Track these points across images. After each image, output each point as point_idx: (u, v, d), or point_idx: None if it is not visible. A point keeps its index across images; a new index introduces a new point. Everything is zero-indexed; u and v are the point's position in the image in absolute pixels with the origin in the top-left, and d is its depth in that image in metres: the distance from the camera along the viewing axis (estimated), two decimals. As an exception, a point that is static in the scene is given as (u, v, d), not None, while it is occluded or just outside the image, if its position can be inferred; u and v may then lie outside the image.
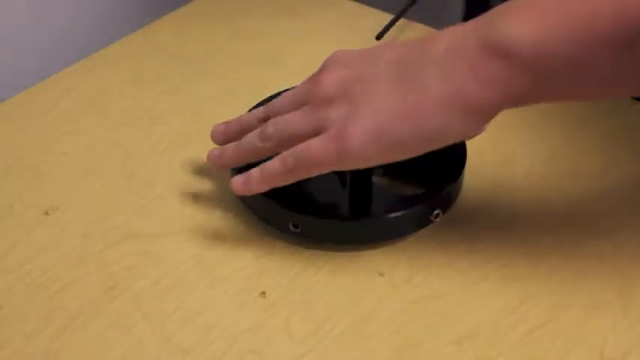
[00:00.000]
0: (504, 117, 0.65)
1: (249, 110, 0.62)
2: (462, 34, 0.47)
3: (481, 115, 0.47)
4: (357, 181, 0.55)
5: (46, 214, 0.58)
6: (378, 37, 0.71)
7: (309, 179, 0.54)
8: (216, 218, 0.57)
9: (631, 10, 0.42)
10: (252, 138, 0.54)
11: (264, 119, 0.55)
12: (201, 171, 0.61)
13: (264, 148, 0.53)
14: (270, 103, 0.56)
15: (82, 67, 0.73)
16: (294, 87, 0.60)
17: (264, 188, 0.52)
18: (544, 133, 0.64)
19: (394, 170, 0.59)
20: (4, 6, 0.77)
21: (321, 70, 0.52)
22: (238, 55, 0.74)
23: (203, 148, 0.63)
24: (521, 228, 0.56)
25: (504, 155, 0.62)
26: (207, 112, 0.67)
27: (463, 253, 0.54)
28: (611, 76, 0.44)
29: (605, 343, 0.49)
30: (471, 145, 0.58)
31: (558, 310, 0.51)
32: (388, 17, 0.79)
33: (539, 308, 0.51)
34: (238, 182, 0.53)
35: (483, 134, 0.61)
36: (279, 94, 0.62)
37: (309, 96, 0.52)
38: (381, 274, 0.53)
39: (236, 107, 0.63)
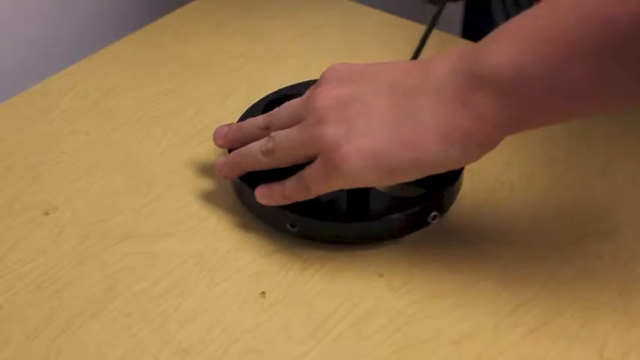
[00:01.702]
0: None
1: (248, 109, 0.62)
2: (455, 62, 0.48)
3: (478, 144, 0.47)
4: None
5: (46, 214, 0.58)
6: (415, 57, 0.67)
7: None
8: (216, 218, 0.57)
9: (596, 17, 0.42)
10: (254, 150, 0.54)
11: (264, 128, 0.55)
12: (201, 171, 0.61)
13: (265, 162, 0.53)
14: (270, 113, 0.56)
15: (82, 67, 0.73)
16: (292, 85, 0.60)
17: (285, 202, 0.53)
18: (543, 133, 0.64)
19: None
20: (4, 6, 0.77)
21: (318, 85, 0.52)
22: (238, 55, 0.74)
23: (203, 148, 0.63)
24: (521, 228, 0.56)
25: (504, 155, 0.62)
26: (207, 112, 0.67)
27: (463, 253, 0.54)
28: (587, 88, 0.44)
29: (605, 343, 0.49)
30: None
31: (558, 310, 0.51)
32: (388, 17, 0.79)
33: (539, 308, 0.51)
34: (262, 193, 0.54)
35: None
36: (278, 93, 0.62)
37: (306, 112, 0.52)
38: (381, 275, 0.53)
39: (236, 107, 0.63)
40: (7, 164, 0.62)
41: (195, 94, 0.70)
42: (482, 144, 0.47)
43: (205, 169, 0.61)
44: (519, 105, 0.45)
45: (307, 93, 0.53)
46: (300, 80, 0.63)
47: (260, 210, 0.56)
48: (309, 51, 0.75)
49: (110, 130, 0.66)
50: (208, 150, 0.62)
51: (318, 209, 0.55)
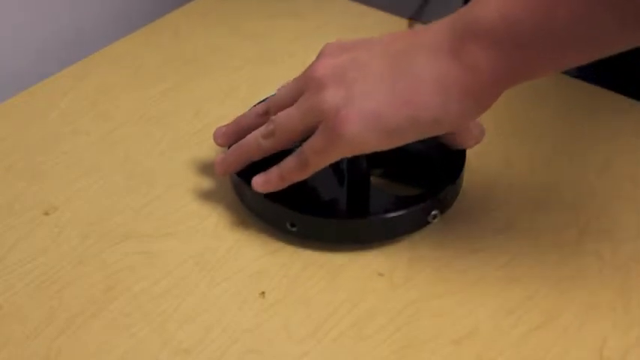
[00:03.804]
0: (504, 117, 0.65)
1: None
2: (448, 22, 0.49)
3: (474, 98, 0.48)
4: (355, 181, 0.55)
5: (46, 214, 0.58)
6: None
7: (306, 178, 0.54)
8: (215, 218, 0.57)
9: None
10: (254, 136, 0.54)
11: (264, 115, 0.55)
12: (200, 171, 0.61)
13: (267, 146, 0.53)
14: (269, 99, 0.56)
15: (82, 67, 0.73)
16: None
17: (283, 185, 0.53)
18: (543, 133, 0.64)
19: (393, 171, 0.59)
20: (3, 6, 0.77)
21: (315, 60, 0.53)
22: (238, 55, 0.74)
23: (203, 148, 0.63)
24: (521, 228, 0.56)
25: (504, 155, 0.62)
26: (207, 112, 0.67)
27: (463, 253, 0.54)
28: (574, 33, 0.44)
29: (604, 342, 0.49)
30: (471, 145, 0.58)
31: (558, 310, 0.51)
32: (388, 17, 0.79)
33: (539, 308, 0.51)
34: (258, 182, 0.54)
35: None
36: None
37: (304, 86, 0.52)
38: (381, 274, 0.53)
39: (236, 107, 0.63)
40: (7, 164, 0.62)
41: (195, 94, 0.70)
42: (479, 98, 0.48)
43: (205, 169, 0.61)
44: (512, 54, 0.46)
45: (304, 71, 0.53)
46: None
47: (260, 209, 0.56)
48: (309, 51, 0.74)
49: (110, 130, 0.66)
50: (208, 150, 0.62)
51: (318, 208, 0.55)
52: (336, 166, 0.56)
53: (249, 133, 0.55)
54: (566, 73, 0.70)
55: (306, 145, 0.51)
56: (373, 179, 0.56)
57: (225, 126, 0.59)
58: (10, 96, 0.69)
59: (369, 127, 0.49)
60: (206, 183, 0.60)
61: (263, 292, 0.52)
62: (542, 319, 0.50)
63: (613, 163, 0.61)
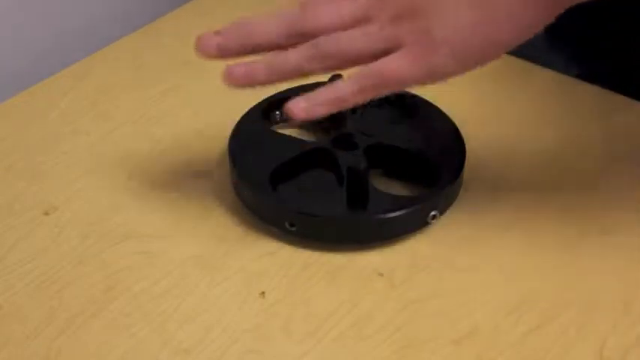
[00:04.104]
0: (504, 117, 0.65)
1: (248, 111, 0.62)
2: None
3: (549, 13, 0.47)
4: (354, 181, 0.55)
5: (46, 214, 0.58)
6: None
7: (306, 178, 0.54)
8: (215, 218, 0.57)
9: None
10: (294, 57, 0.49)
11: (296, 37, 0.50)
12: (201, 171, 0.61)
13: (313, 69, 0.49)
14: (299, 18, 0.50)
15: (82, 67, 0.73)
16: (289, 88, 0.56)
17: (331, 110, 0.49)
18: (544, 133, 0.64)
19: (393, 171, 0.59)
20: (3, 6, 0.77)
21: None
22: (238, 55, 0.74)
23: (203, 148, 0.63)
24: (521, 228, 0.56)
25: (504, 155, 0.62)
26: (207, 112, 0.67)
27: (463, 252, 0.54)
28: None
29: (604, 342, 0.49)
30: (471, 146, 0.58)
31: (558, 310, 0.51)
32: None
33: (539, 308, 0.51)
34: (299, 106, 0.48)
35: (484, 135, 0.61)
36: (280, 93, 0.62)
37: (370, 14, 0.49)
38: (381, 274, 0.53)
39: (236, 107, 0.63)
40: (7, 164, 0.62)
41: (195, 94, 0.70)
42: (550, 12, 0.47)
43: (205, 169, 0.61)
44: None
45: None
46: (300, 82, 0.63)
47: (259, 209, 0.56)
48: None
49: (110, 130, 0.66)
50: (208, 150, 0.62)
51: (318, 208, 0.55)
52: (335, 166, 0.56)
53: (261, 47, 0.50)
54: (566, 73, 0.70)
55: (379, 71, 0.48)
56: (373, 179, 0.56)
57: (214, 34, 0.51)
58: (10, 96, 0.69)
59: (455, 54, 0.48)
60: (206, 183, 0.60)
61: (263, 292, 0.52)
62: (542, 318, 0.50)
63: (613, 163, 0.61)
